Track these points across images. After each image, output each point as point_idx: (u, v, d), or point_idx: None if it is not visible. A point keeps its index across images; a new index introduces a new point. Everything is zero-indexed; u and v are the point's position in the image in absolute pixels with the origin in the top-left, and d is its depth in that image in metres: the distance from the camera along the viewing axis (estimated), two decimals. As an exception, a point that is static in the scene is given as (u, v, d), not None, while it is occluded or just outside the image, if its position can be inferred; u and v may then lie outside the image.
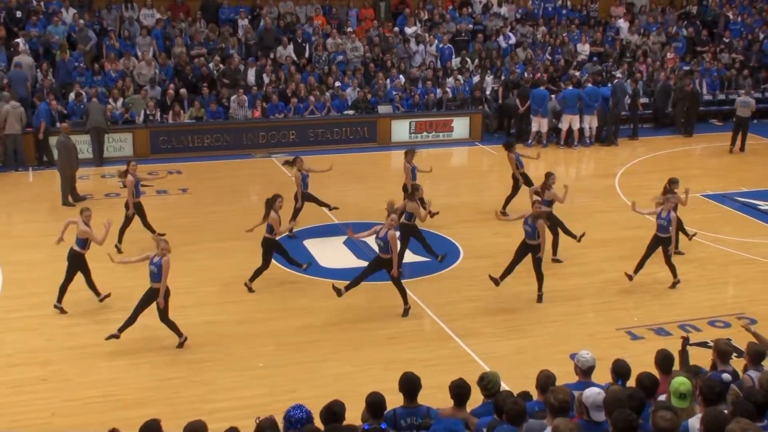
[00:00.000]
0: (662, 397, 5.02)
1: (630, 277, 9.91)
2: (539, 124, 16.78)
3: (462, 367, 7.78)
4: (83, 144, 14.87)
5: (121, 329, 8.28)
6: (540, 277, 9.31)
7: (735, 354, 5.78)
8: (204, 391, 7.62)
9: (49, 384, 7.67)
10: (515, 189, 11.92)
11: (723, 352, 5.38)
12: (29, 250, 10.91)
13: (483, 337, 8.66)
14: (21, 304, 9.35)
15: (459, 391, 5.09)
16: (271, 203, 9.42)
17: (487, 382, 5.19)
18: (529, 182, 11.77)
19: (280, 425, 4.58)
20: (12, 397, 7.48)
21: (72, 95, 15.56)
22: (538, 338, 8.69)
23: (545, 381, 5.20)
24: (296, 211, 11.16)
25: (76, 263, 9.08)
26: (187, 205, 13.13)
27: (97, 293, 9.35)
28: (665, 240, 9.82)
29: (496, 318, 9.13)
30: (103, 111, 15.14)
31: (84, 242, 9.10)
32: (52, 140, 14.58)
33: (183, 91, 16.24)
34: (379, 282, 9.90)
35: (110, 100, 15.85)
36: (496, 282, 9.44)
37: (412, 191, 10.26)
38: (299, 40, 17.89)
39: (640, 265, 9.94)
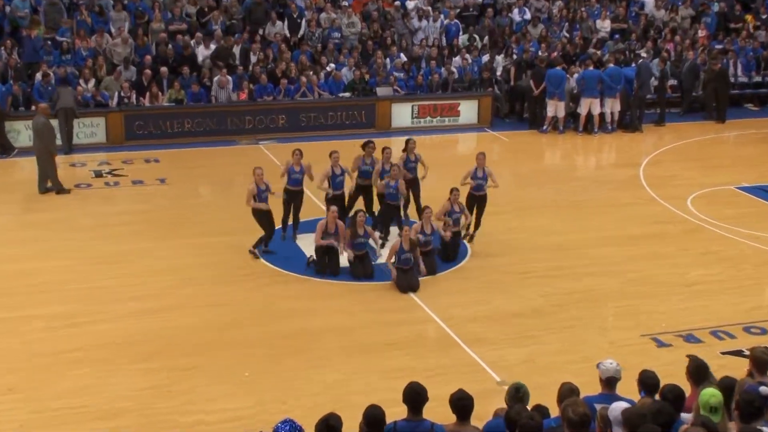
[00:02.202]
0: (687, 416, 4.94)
1: None
2: (555, 109, 16.69)
3: (468, 377, 7.77)
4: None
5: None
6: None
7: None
8: (183, 402, 7.60)
9: (16, 395, 7.64)
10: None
11: (761, 361, 5.33)
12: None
13: (492, 344, 8.61)
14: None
15: (461, 403, 4.98)
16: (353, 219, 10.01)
17: (523, 394, 5.15)
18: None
19: (268, 441, 4.54)
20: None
21: (38, 76, 15.50)
22: (552, 345, 8.64)
23: (569, 395, 5.12)
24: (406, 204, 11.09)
25: None
26: (165, 197, 13.08)
27: None
28: None
29: (507, 322, 9.10)
30: (73, 93, 15.07)
31: None
32: (11, 125, 14.54)
33: (164, 69, 16.18)
34: (377, 283, 9.93)
35: (81, 81, 15.79)
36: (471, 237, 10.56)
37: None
38: (294, 15, 17.82)
39: None
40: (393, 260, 9.84)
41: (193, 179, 14.04)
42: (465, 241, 11.06)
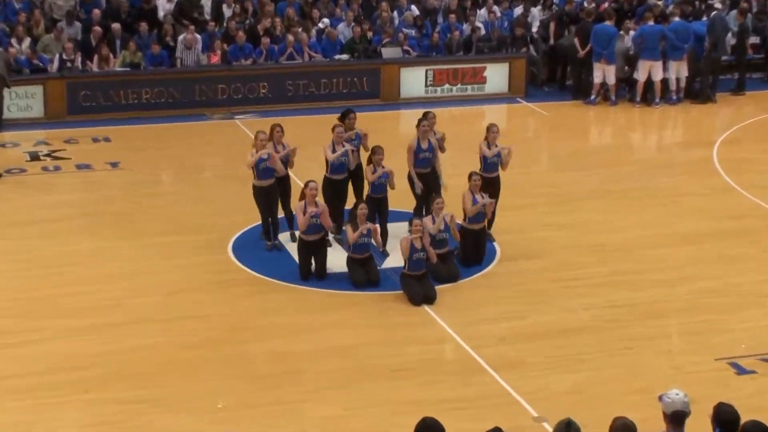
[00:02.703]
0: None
1: None
2: (604, 74, 16.62)
3: (497, 412, 7.77)
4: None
5: None
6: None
7: None
8: (141, 442, 7.64)
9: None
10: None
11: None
12: None
13: (527, 369, 8.61)
14: None
15: None
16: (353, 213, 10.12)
17: (575, 431, 5.23)
18: None
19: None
20: None
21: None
22: (604, 371, 8.62)
23: (623, 432, 5.17)
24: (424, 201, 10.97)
25: None
26: (118, 186, 13.11)
27: None
28: None
29: (547, 343, 9.08)
30: (3, 56, 15.05)
31: None
32: None
33: (116, 26, 16.19)
34: (384, 292, 9.96)
35: (13, 41, 15.80)
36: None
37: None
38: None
39: None
40: (403, 264, 9.86)
41: (154, 163, 14.04)
42: (491, 240, 11.10)
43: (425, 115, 11.44)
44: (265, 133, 10.81)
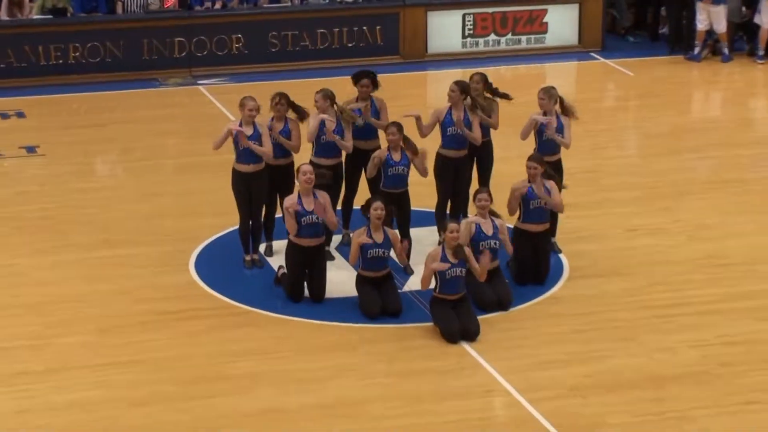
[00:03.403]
0: None
1: None
2: (710, 17, 16.61)
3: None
4: None
5: None
6: None
7: None
8: None
9: None
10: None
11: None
12: None
13: (611, 433, 8.69)
14: None
15: None
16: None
17: None
18: None
19: None
20: None
21: None
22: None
23: None
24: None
25: None
26: (36, 179, 13.22)
27: None
28: None
29: (634, 395, 9.03)
30: None
31: None
32: None
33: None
34: (407, 325, 9.98)
35: None
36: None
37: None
38: None
39: None
40: (433, 285, 9.82)
41: (85, 148, 14.11)
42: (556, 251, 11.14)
43: (472, 77, 11.38)
44: (254, 101, 10.77)
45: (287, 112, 10.99)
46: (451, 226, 9.85)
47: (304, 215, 10.07)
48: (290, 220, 10.07)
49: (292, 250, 10.27)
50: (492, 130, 11.46)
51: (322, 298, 10.31)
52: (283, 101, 10.93)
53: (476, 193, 10.35)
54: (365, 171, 11.10)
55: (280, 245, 10.94)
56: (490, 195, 10.26)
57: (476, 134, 11.08)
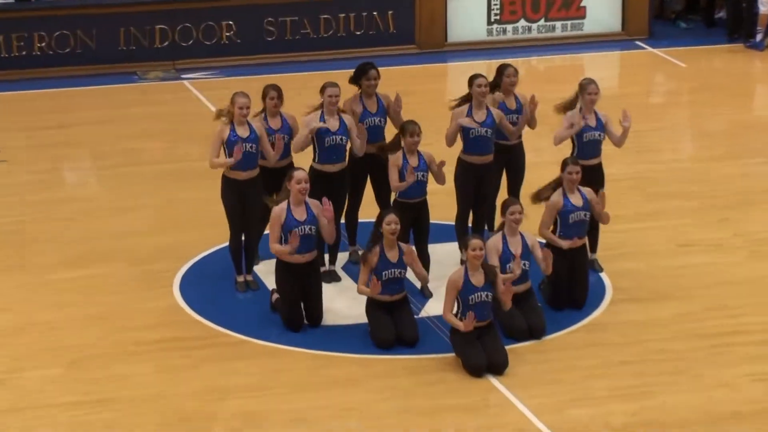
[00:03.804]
0: None
1: None
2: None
3: None
4: None
5: None
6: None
7: None
8: None
9: None
10: None
11: None
12: None
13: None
14: None
15: None
16: None
17: None
18: None
19: None
20: None
21: None
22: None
23: None
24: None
25: None
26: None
27: None
28: None
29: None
30: None
31: None
32: None
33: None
34: (425, 355, 9.96)
35: None
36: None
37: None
38: None
39: None
40: (455, 310, 9.83)
41: (51, 152, 14.16)
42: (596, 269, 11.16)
43: (502, 69, 11.45)
44: (247, 97, 10.81)
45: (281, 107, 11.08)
46: (474, 242, 9.80)
47: (296, 225, 10.06)
48: (276, 241, 10.09)
49: (282, 271, 10.29)
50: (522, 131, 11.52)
51: (320, 320, 10.36)
52: (277, 96, 11.01)
53: (506, 204, 10.30)
54: (371, 177, 11.17)
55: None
56: (522, 207, 10.25)
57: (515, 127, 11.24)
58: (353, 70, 11.48)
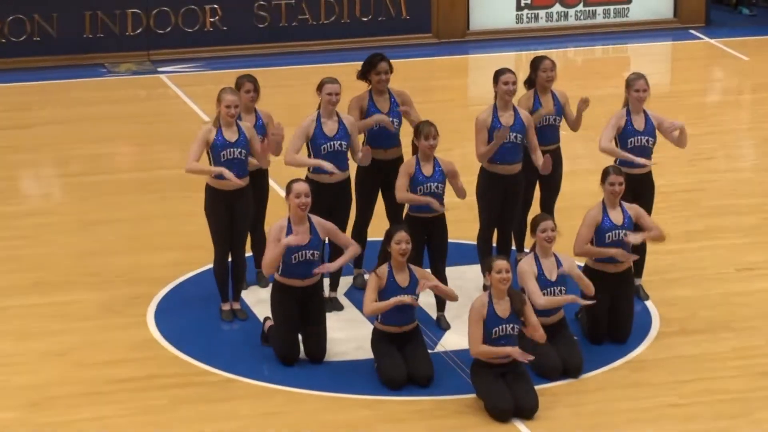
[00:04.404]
0: None
1: None
2: None
3: None
4: None
5: None
6: None
7: None
8: None
9: None
10: None
11: None
12: None
13: None
14: None
15: None
16: None
17: None
18: None
19: None
20: None
21: None
22: None
23: None
24: None
25: None
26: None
27: None
28: None
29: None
30: None
31: None
32: None
33: None
34: (442, 397, 9.96)
35: None
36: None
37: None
38: None
39: None
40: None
41: (7, 158, 14.18)
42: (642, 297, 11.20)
43: (535, 63, 11.52)
44: (236, 94, 10.90)
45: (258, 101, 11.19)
46: (499, 263, 9.79)
47: (296, 250, 10.12)
48: (276, 252, 10.11)
49: (279, 295, 10.32)
50: (558, 134, 11.63)
51: (323, 356, 10.36)
52: (254, 88, 11.15)
53: (536, 221, 10.32)
54: (382, 189, 11.26)
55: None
56: (555, 224, 10.28)
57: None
58: (360, 63, 11.53)
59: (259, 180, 11.17)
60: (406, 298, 9.88)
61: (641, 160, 10.93)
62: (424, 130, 10.76)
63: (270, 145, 10.95)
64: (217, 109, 10.80)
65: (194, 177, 10.95)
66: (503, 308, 9.68)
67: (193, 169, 10.74)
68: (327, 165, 10.83)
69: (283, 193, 10.39)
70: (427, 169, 10.77)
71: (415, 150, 10.84)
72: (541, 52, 12.15)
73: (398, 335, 10.14)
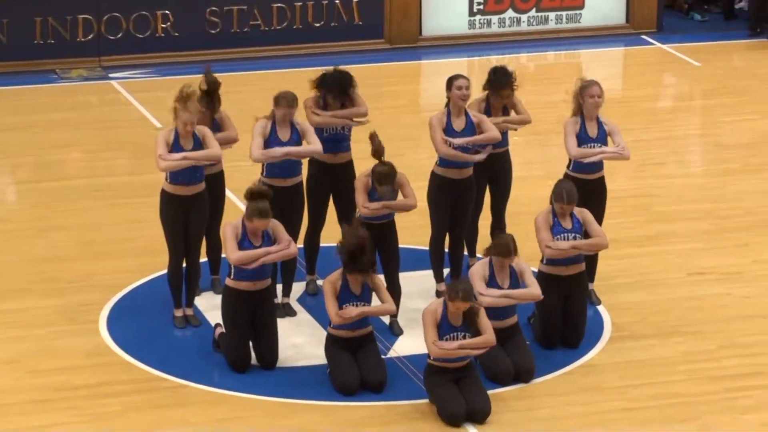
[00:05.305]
0: None
1: None
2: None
3: None
4: None
5: None
6: None
7: None
8: None
9: None
10: None
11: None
12: None
13: None
14: None
15: None
16: None
17: None
18: None
19: None
20: None
21: None
22: None
23: None
24: None
25: None
26: None
27: None
28: None
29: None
30: None
31: None
32: None
33: None
34: (395, 402, 9.94)
35: None
36: None
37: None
38: None
39: None
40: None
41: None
42: (593, 301, 11.27)
43: (501, 74, 11.44)
44: (191, 112, 10.78)
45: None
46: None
47: (249, 248, 10.14)
48: (233, 247, 10.11)
49: (230, 301, 10.34)
50: (508, 139, 11.62)
51: (275, 362, 10.36)
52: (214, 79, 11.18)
53: (497, 235, 10.41)
54: (334, 194, 11.29)
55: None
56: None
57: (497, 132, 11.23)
58: (314, 69, 11.50)
59: (214, 185, 11.18)
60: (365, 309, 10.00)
61: (611, 148, 11.02)
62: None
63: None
64: (174, 120, 10.72)
65: (149, 183, 10.94)
66: (456, 319, 9.65)
67: (165, 166, 10.56)
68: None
69: (237, 200, 10.40)
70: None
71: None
72: (493, 58, 12.19)
73: (351, 339, 10.15)
